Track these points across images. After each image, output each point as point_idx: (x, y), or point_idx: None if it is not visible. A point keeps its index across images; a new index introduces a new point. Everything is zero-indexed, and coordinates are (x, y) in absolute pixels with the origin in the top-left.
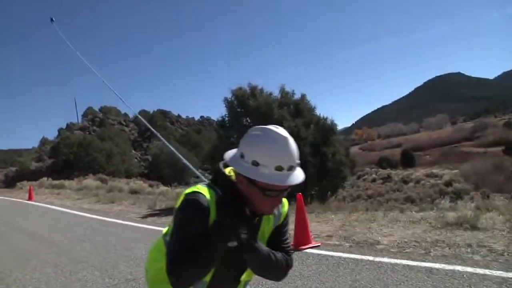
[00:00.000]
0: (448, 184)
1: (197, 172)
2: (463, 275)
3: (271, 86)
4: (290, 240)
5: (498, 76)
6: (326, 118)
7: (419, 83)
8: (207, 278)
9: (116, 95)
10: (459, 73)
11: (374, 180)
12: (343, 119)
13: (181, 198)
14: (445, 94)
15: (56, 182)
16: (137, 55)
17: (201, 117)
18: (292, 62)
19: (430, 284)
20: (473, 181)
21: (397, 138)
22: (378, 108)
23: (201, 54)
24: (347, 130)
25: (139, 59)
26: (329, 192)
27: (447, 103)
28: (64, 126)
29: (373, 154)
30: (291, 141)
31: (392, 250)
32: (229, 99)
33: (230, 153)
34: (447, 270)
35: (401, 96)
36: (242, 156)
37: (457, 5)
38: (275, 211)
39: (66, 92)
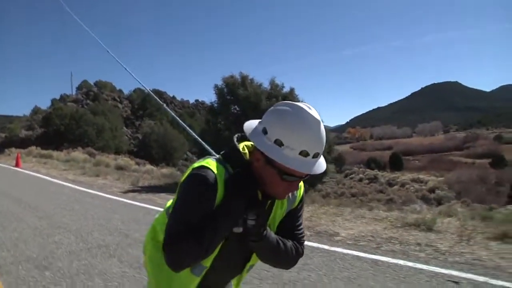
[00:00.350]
0: (432, 190)
1: (207, 146)
2: (402, 268)
3: (263, 78)
4: (304, 227)
5: (495, 89)
6: None
7: (416, 88)
8: (207, 262)
9: (122, 66)
10: (456, 82)
11: (361, 180)
12: (338, 117)
13: (188, 171)
14: (441, 101)
15: (44, 151)
16: (137, 33)
17: (196, 100)
18: (293, 57)
19: (371, 273)
20: (457, 189)
21: (389, 140)
22: (373, 109)
23: (203, 40)
24: (341, 128)
25: (138, 37)
26: (306, 185)
27: (442, 110)
28: (57, 97)
29: (364, 154)
30: (322, 126)
31: (348, 242)
32: (220, 86)
33: (250, 125)
34: (390, 263)
35: (397, 99)
36: (264, 131)
37: (463, 13)
38: (289, 194)
39: (62, 64)
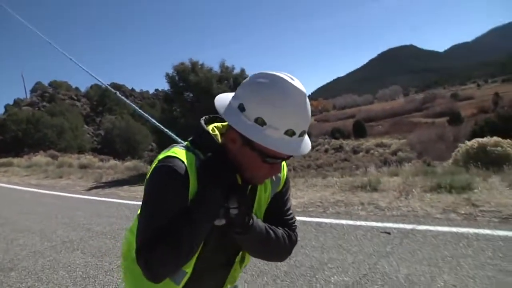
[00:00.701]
0: (394, 153)
1: (171, 134)
2: (343, 227)
3: (214, 62)
4: (293, 210)
5: (448, 49)
6: None
7: (373, 55)
8: (188, 267)
9: (69, 58)
10: (411, 45)
11: (326, 150)
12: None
13: (153, 165)
14: (399, 66)
15: (3, 160)
16: (87, 24)
17: (156, 90)
18: (248, 34)
19: (313, 234)
20: (418, 150)
21: (351, 109)
22: (333, 80)
23: (157, 25)
24: None
25: (89, 28)
26: None
27: (400, 75)
28: (11, 102)
29: (328, 125)
30: (307, 100)
31: (297, 209)
32: (171, 75)
33: (222, 100)
34: (333, 223)
35: (356, 68)
36: (241, 108)
37: None
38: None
39: (12, 67)
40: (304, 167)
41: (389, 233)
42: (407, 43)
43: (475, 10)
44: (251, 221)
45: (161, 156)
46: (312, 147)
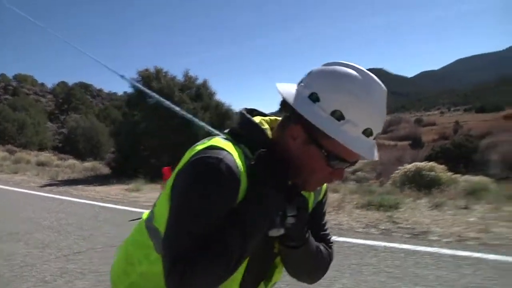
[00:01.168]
0: (354, 172)
1: (209, 127)
2: None
3: (179, 71)
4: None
5: (416, 75)
6: (224, 103)
7: None
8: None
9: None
10: (381, 69)
11: None
12: (264, 104)
13: (191, 156)
14: None
15: None
16: (57, 19)
17: (124, 92)
18: (216, 46)
19: None
20: (378, 170)
21: None
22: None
23: (130, 27)
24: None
25: (58, 23)
26: None
27: None
28: None
29: None
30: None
31: None
32: (135, 79)
33: (285, 88)
34: None
35: None
36: (315, 98)
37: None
38: None
39: None
40: None
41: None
42: (378, 66)
43: (443, 40)
44: (308, 233)
45: (200, 146)
46: None
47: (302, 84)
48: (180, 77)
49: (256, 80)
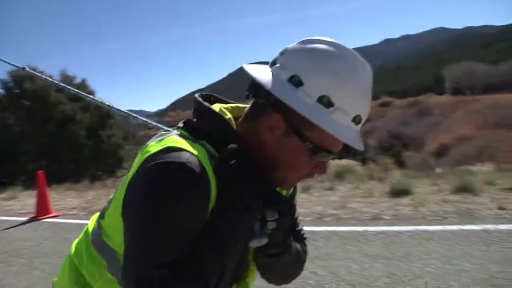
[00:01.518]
0: None
1: (154, 123)
2: None
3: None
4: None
5: None
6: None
7: (232, 69)
8: None
9: None
10: (268, 61)
11: None
12: (158, 101)
13: (143, 162)
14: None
15: None
16: None
17: None
18: (100, 43)
19: None
20: None
21: None
22: (192, 91)
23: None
24: (162, 112)
25: None
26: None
27: None
28: None
29: None
30: None
31: None
32: (5, 81)
33: (257, 70)
34: None
35: (216, 81)
36: (297, 82)
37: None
38: None
39: None
40: None
41: None
42: (266, 59)
43: (324, 35)
44: (290, 238)
45: (155, 147)
46: None
47: (277, 65)
48: (56, 77)
49: (140, 79)
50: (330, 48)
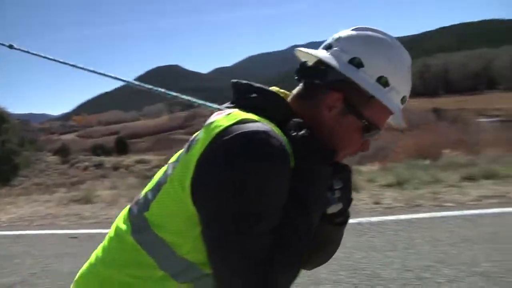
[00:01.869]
0: (152, 169)
1: (208, 104)
2: (49, 237)
3: None
4: None
5: (211, 71)
6: None
7: (141, 72)
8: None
9: None
10: (177, 65)
11: (86, 168)
12: (62, 105)
13: (216, 135)
14: (165, 84)
15: None
16: None
17: None
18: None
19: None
20: None
21: (117, 125)
22: (100, 94)
23: None
24: (66, 116)
25: None
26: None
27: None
28: None
29: (90, 141)
30: None
31: (3, 225)
32: None
33: (314, 52)
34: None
35: (121, 85)
36: (358, 64)
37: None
38: None
39: None
40: (57, 184)
41: (76, 237)
42: (174, 63)
43: (233, 39)
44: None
45: (226, 121)
46: (72, 165)
47: (336, 49)
48: None
49: (42, 81)
50: (383, 36)
